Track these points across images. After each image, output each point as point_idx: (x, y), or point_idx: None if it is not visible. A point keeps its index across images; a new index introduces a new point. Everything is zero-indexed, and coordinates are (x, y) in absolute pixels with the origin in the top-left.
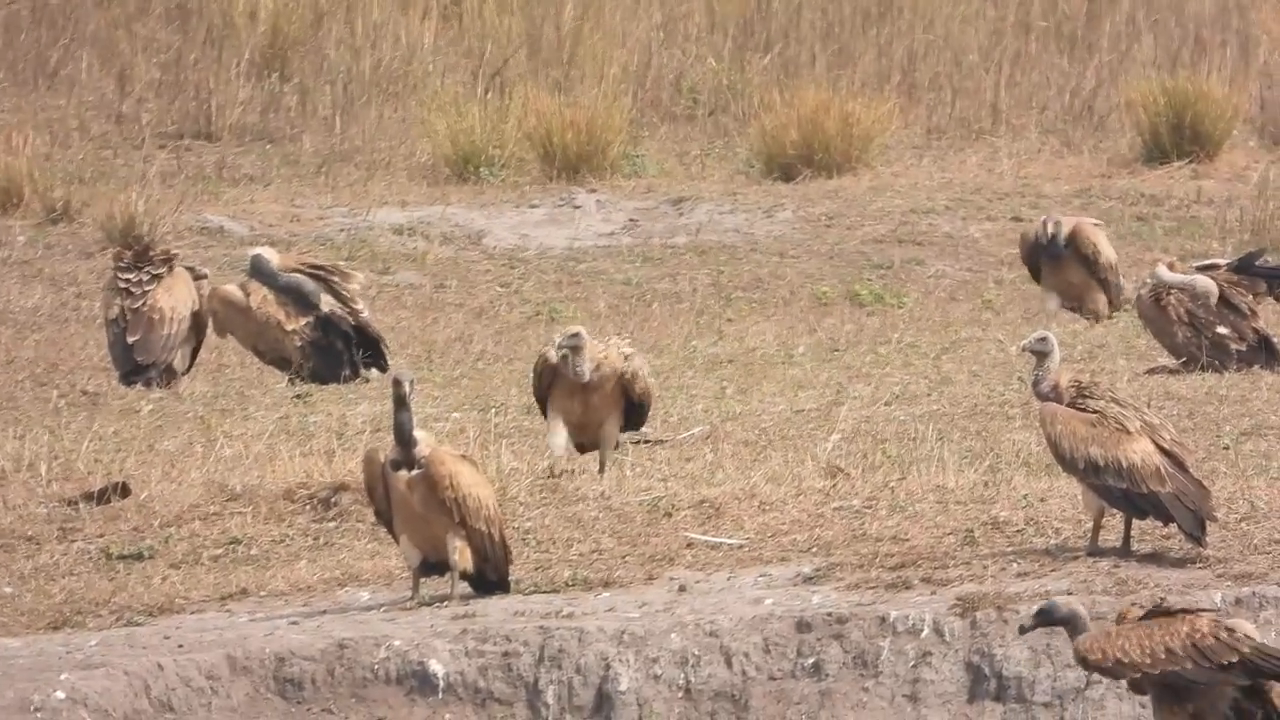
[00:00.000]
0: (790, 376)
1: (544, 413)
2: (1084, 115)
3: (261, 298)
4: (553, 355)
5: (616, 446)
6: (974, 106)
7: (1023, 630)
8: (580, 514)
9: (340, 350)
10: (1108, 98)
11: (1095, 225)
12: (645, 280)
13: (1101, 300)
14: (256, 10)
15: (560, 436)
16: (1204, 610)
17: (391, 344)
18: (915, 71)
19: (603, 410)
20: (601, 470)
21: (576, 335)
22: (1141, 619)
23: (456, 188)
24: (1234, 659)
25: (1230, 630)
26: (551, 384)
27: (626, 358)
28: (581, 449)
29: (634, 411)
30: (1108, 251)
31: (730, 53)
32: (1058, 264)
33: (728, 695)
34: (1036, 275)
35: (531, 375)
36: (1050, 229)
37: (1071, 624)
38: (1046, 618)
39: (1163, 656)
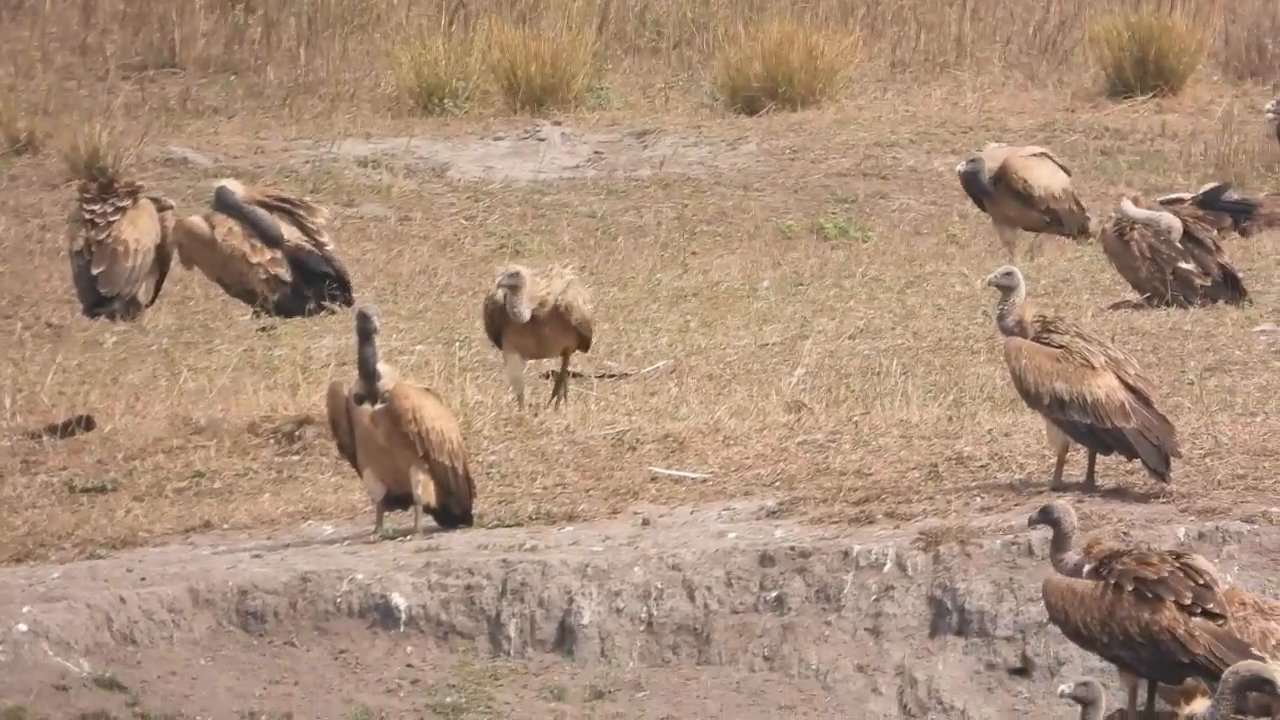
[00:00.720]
0: (755, 310)
1: (498, 346)
2: (1048, 49)
3: (227, 230)
4: (499, 295)
5: (576, 375)
6: (938, 40)
7: (1030, 523)
8: (544, 448)
9: (305, 285)
10: (1071, 32)
11: (1034, 156)
12: (610, 213)
13: (1041, 237)
14: None
15: (518, 370)
16: (1175, 594)
17: (356, 277)
18: (879, 4)
19: (554, 341)
20: (555, 396)
21: (515, 275)
22: (1108, 560)
23: (421, 120)
24: (1188, 659)
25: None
26: (503, 322)
27: (564, 289)
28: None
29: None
30: (1044, 183)
31: None
32: (992, 200)
33: (690, 629)
34: (982, 207)
35: (483, 316)
36: (963, 166)
37: (1058, 534)
38: (1046, 515)
39: (1120, 639)
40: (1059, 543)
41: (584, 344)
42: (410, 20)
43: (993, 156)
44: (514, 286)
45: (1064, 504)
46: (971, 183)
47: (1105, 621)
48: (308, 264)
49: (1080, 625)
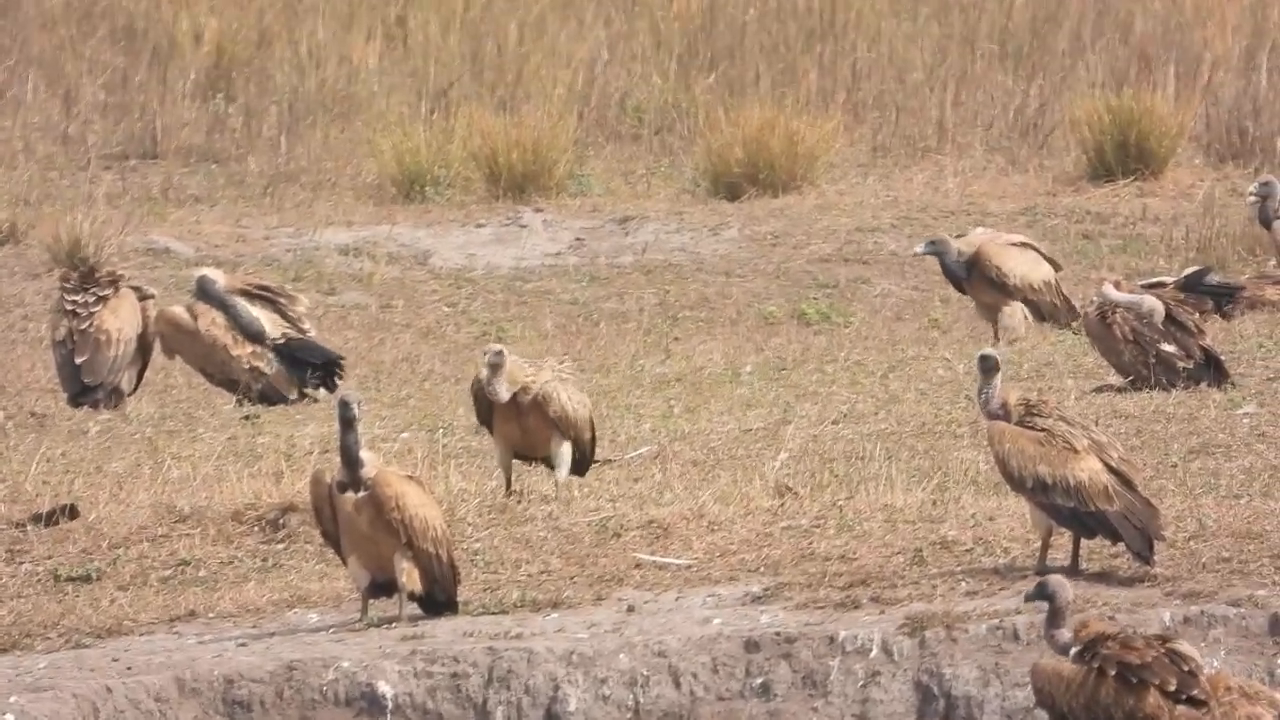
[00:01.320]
0: (738, 395)
1: (491, 434)
2: (1029, 133)
3: (210, 320)
4: (485, 375)
5: (578, 469)
6: (919, 124)
7: (1027, 599)
8: (529, 535)
9: (289, 374)
10: (1053, 116)
11: (1015, 245)
12: (592, 300)
13: (1018, 315)
14: (201, 31)
15: (506, 459)
16: (1160, 679)
17: (344, 365)
18: (860, 90)
19: (539, 433)
20: (558, 490)
21: (499, 353)
22: (1094, 643)
23: (403, 207)
24: None
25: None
26: (491, 407)
27: (549, 379)
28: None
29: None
30: (1020, 272)
31: (675, 71)
32: (969, 284)
33: (676, 715)
34: (962, 291)
35: (471, 398)
36: (920, 248)
37: (1053, 609)
38: (1042, 590)
39: None
40: (1054, 618)
41: (576, 446)
42: (391, 108)
43: (970, 242)
44: (495, 365)
45: (1060, 579)
46: (953, 266)
47: (1089, 706)
48: (299, 352)
49: (1065, 709)
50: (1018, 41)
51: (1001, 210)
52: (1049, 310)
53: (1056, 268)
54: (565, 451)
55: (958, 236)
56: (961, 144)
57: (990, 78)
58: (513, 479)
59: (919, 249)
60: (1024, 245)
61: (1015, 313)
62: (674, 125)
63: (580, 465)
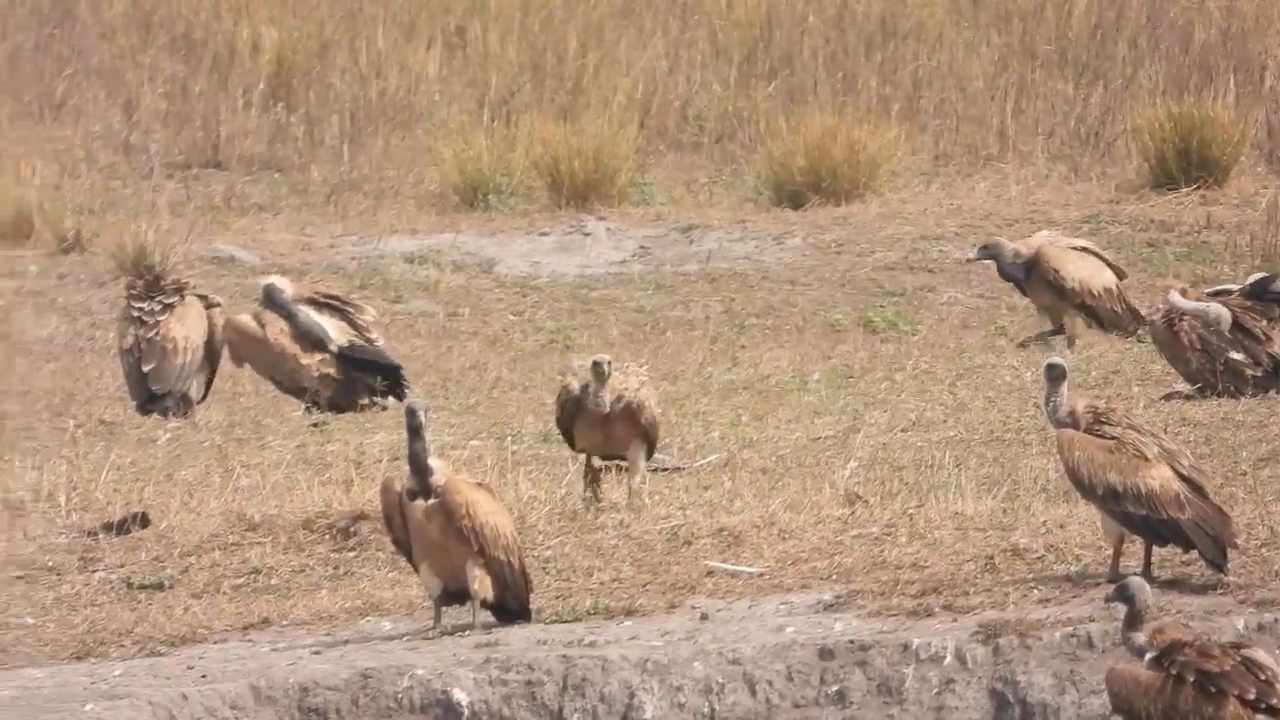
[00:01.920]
0: (806, 403)
1: (570, 443)
2: (1091, 141)
3: (278, 329)
4: (575, 386)
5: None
6: (981, 133)
7: (1107, 601)
8: (600, 542)
9: (357, 382)
10: (1114, 124)
11: (1076, 249)
12: (658, 308)
13: (1078, 324)
14: (260, 40)
15: (586, 462)
16: (1238, 688)
17: (406, 373)
18: (920, 98)
19: (623, 439)
20: (630, 497)
21: (610, 362)
22: (1170, 650)
23: (466, 215)
24: None
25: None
26: (575, 415)
27: (639, 387)
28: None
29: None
30: (1079, 276)
31: (735, 79)
32: (1030, 287)
33: None
34: (1024, 293)
35: (555, 407)
36: (972, 254)
37: (1131, 612)
38: (1122, 592)
39: None
40: (1132, 620)
41: (650, 448)
42: (452, 117)
43: (1030, 244)
44: (603, 376)
45: (1140, 581)
46: (1000, 270)
47: (1168, 712)
48: (364, 358)
49: (1143, 715)
50: (1078, 50)
51: (1065, 218)
52: (1109, 317)
53: (1120, 275)
54: (642, 457)
55: (1017, 240)
56: (1023, 152)
57: (1051, 86)
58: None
59: (971, 255)
60: (1085, 250)
61: (1075, 323)
62: (735, 133)
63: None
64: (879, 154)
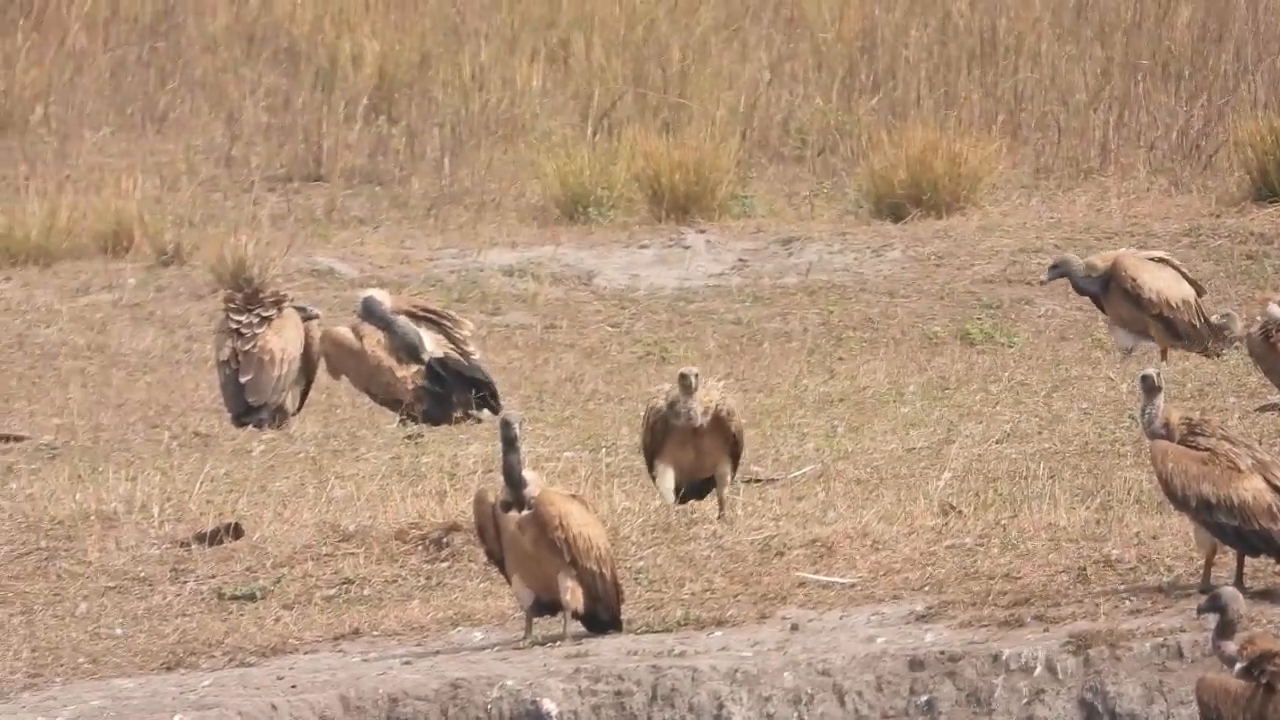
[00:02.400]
0: (901, 415)
1: (649, 465)
2: (1192, 154)
3: (375, 341)
4: (662, 403)
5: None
6: (1082, 146)
7: (1199, 612)
8: (692, 553)
9: (452, 394)
10: (1216, 136)
11: (1153, 259)
12: (756, 320)
13: (1158, 335)
14: (363, 53)
15: (669, 483)
16: None
17: (503, 385)
18: (1022, 111)
19: (714, 453)
20: (722, 509)
21: (698, 375)
22: (1260, 660)
23: (566, 228)
24: None
25: None
26: (665, 433)
27: (723, 397)
28: (685, 497)
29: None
30: (1156, 286)
31: (837, 93)
32: (1107, 299)
33: None
34: (1102, 309)
35: (643, 427)
36: (1045, 276)
37: (1223, 621)
38: (1215, 602)
39: None
40: (1223, 630)
41: (735, 460)
42: (555, 130)
43: (1105, 257)
44: (691, 388)
45: (1233, 591)
46: (1075, 286)
47: None
48: (456, 372)
49: None
50: (1180, 62)
51: (1165, 231)
52: (1186, 331)
53: (1199, 291)
54: (730, 471)
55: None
56: (1124, 165)
57: (1153, 99)
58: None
59: (1044, 277)
60: (1162, 261)
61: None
62: (836, 146)
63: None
64: (980, 167)
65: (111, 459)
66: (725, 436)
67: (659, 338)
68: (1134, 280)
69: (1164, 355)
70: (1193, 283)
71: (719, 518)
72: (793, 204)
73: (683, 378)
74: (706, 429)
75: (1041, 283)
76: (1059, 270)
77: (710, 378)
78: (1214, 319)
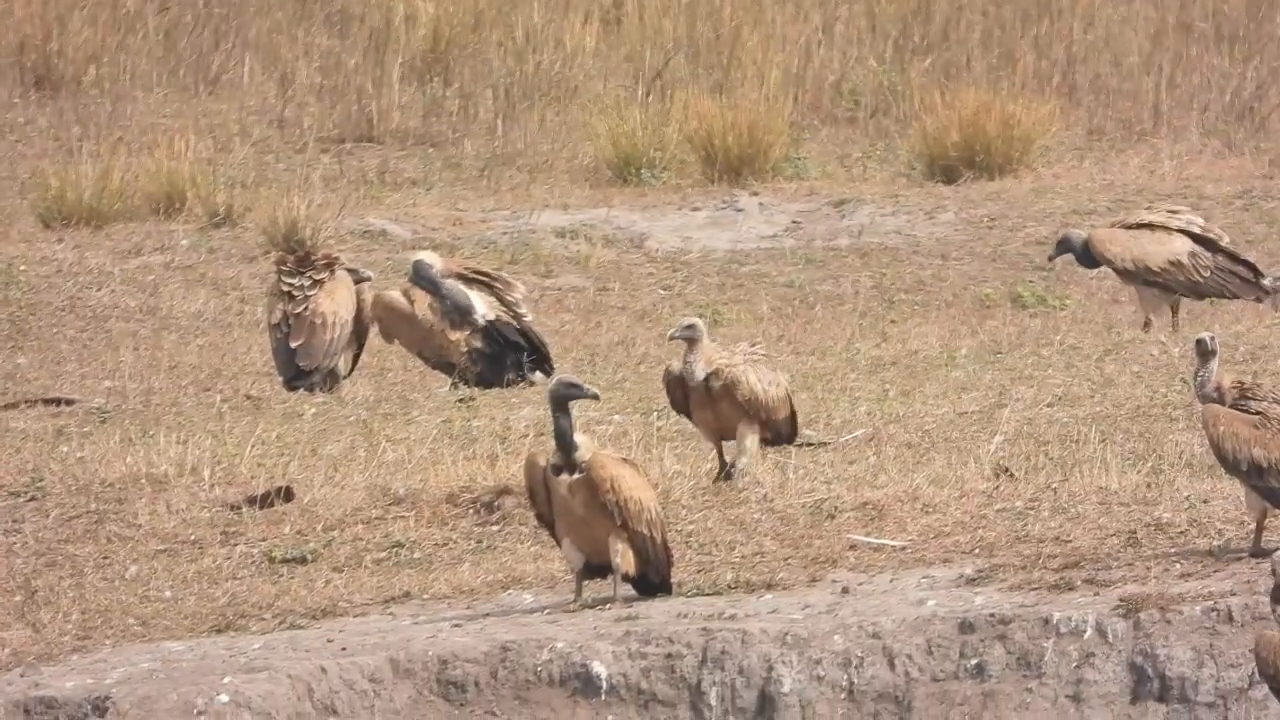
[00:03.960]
0: (953, 379)
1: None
2: (1246, 116)
3: (427, 305)
4: (675, 366)
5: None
6: (1135, 108)
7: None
8: (743, 516)
9: (505, 357)
10: (1269, 98)
11: (1130, 226)
12: (808, 282)
13: (1146, 300)
14: (416, 15)
15: (712, 441)
16: None
17: (554, 348)
18: (1075, 73)
19: (731, 418)
20: (729, 473)
21: (692, 326)
22: None
23: (618, 190)
24: None
25: None
26: (686, 395)
27: (740, 364)
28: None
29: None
30: (1133, 254)
31: (890, 55)
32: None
33: (891, 696)
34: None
35: (665, 390)
36: (1050, 255)
37: (1277, 585)
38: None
39: None
40: (1277, 593)
41: (761, 428)
42: (607, 91)
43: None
44: (691, 340)
45: None
46: (1080, 261)
47: None
48: (506, 335)
49: None
50: (1233, 24)
51: (1218, 194)
52: (1189, 287)
53: (1212, 241)
54: (751, 441)
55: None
56: (1177, 127)
57: (1206, 60)
58: (726, 460)
59: (1050, 254)
60: (1145, 226)
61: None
62: (889, 108)
63: (781, 441)
64: (1033, 129)
65: (162, 422)
66: (734, 403)
67: (711, 300)
68: (1105, 255)
69: (1146, 325)
70: (1198, 237)
71: (729, 484)
72: (845, 166)
73: (685, 327)
74: (719, 393)
75: (1049, 259)
76: (1062, 248)
77: (743, 341)
78: (1266, 281)
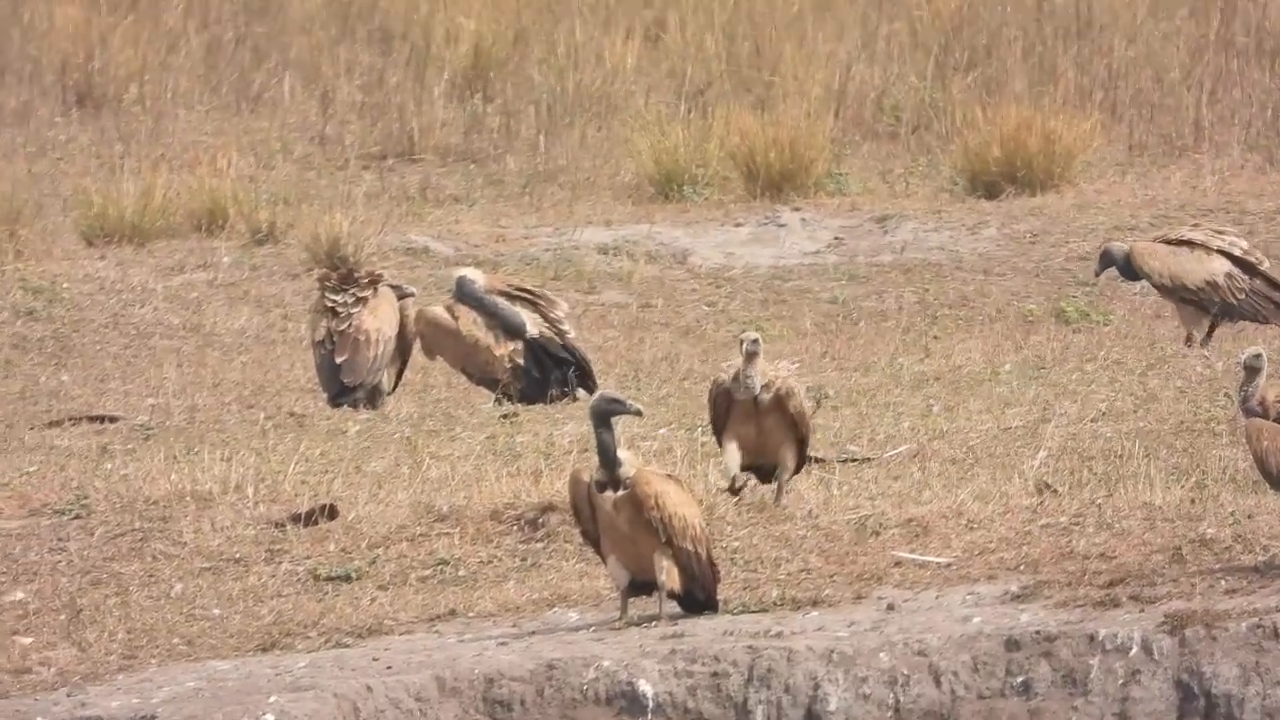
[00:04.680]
0: (997, 394)
1: (719, 441)
2: None
3: (470, 321)
4: (725, 378)
5: (819, 460)
6: (1176, 123)
7: None
8: (788, 533)
9: (549, 373)
10: None
11: (1171, 242)
12: (851, 298)
13: (1186, 317)
14: (458, 31)
15: (734, 458)
16: None
17: (598, 364)
18: (1116, 89)
19: (776, 434)
20: (778, 499)
21: (755, 341)
22: None
23: (660, 206)
24: None
25: None
26: (728, 409)
27: (787, 376)
28: (761, 477)
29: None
30: (1170, 270)
31: (932, 71)
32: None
33: (936, 714)
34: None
35: (708, 404)
36: (1098, 266)
37: None
38: None
39: None
40: None
41: (801, 448)
42: (649, 108)
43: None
44: (752, 354)
45: None
46: (1123, 274)
47: None
48: (550, 351)
49: None
50: (1274, 40)
51: (1260, 209)
52: (1223, 309)
53: (1250, 264)
54: (792, 457)
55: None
56: (1219, 142)
57: (1247, 76)
58: (738, 483)
59: (1096, 269)
60: (1185, 243)
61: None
62: (931, 124)
63: (798, 465)
64: (1074, 145)
65: (206, 440)
66: (785, 418)
67: (754, 316)
68: (1144, 269)
69: (1188, 340)
70: (1237, 259)
71: (774, 502)
72: (887, 181)
73: (744, 341)
74: (767, 407)
75: (1095, 274)
76: (1104, 262)
77: (783, 359)
78: None
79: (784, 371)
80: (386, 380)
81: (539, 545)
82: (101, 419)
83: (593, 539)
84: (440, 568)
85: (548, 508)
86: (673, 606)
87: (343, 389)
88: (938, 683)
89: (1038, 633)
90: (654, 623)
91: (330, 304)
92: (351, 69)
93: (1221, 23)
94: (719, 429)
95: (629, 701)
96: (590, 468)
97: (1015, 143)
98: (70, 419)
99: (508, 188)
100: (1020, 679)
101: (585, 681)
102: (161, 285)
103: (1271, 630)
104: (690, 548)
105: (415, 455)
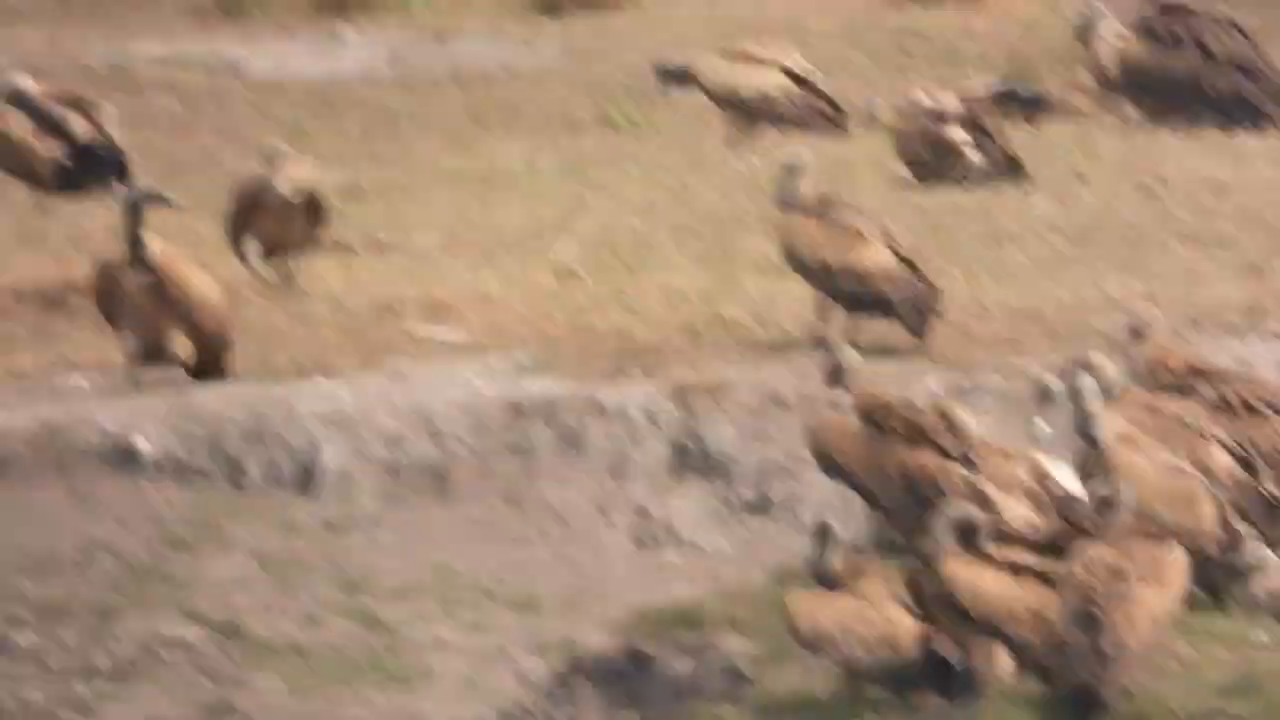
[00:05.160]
0: (533, 189)
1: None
2: None
3: (15, 124)
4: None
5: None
6: None
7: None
8: (305, 311)
9: (89, 169)
10: None
11: (719, 57)
12: (401, 107)
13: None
14: None
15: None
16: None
17: (139, 162)
18: None
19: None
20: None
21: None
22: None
23: (223, 22)
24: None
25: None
26: (253, 208)
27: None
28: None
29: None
30: (723, 80)
31: None
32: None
33: (434, 471)
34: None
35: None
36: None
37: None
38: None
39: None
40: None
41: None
42: None
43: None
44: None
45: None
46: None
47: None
48: (94, 151)
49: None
50: None
51: (820, 28)
52: (771, 117)
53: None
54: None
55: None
56: None
57: None
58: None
59: (657, 83)
60: (746, 56)
61: None
62: None
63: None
64: None
65: None
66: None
67: (301, 120)
68: (699, 78)
69: (732, 145)
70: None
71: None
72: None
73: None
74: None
75: (659, 82)
76: (664, 73)
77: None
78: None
79: (307, 171)
80: None
81: (58, 320)
82: None
83: (112, 315)
84: None
85: (70, 286)
86: (183, 375)
87: None
88: (437, 443)
89: (541, 398)
90: (160, 388)
91: None
92: None
93: None
94: (239, 231)
95: (126, 459)
96: (118, 251)
97: None
98: None
99: (72, 5)
100: (519, 440)
101: (85, 441)
102: None
103: (771, 396)
104: (206, 321)
105: None
